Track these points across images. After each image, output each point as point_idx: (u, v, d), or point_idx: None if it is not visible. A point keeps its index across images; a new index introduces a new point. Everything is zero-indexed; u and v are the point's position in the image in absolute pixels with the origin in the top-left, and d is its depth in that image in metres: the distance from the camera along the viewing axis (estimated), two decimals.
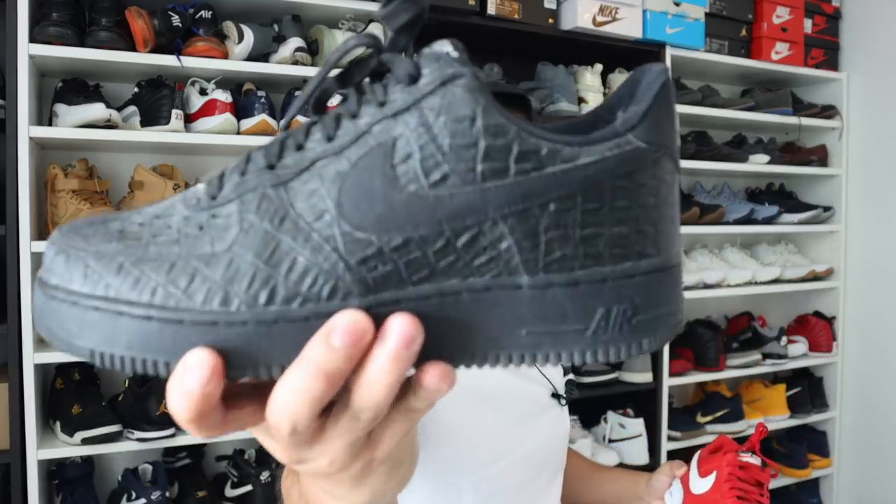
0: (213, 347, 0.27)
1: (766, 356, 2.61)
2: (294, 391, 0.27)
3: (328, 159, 0.29)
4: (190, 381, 0.27)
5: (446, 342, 0.29)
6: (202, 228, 0.29)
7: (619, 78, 2.33)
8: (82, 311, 0.28)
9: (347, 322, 0.27)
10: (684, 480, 0.97)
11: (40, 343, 1.65)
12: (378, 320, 0.28)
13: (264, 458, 1.85)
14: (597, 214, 0.29)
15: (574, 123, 0.33)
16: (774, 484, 2.63)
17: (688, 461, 1.01)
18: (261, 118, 1.77)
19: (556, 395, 1.02)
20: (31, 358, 1.57)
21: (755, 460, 0.93)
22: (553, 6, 2.16)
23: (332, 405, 0.30)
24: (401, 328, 0.27)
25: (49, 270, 0.29)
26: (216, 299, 0.28)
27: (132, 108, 1.74)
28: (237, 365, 0.28)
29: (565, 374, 1.07)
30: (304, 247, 0.28)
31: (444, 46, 0.31)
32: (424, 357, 0.28)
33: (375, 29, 1.91)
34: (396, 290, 0.28)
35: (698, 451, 1.00)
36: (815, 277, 2.74)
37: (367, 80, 0.32)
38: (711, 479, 0.92)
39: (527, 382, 1.01)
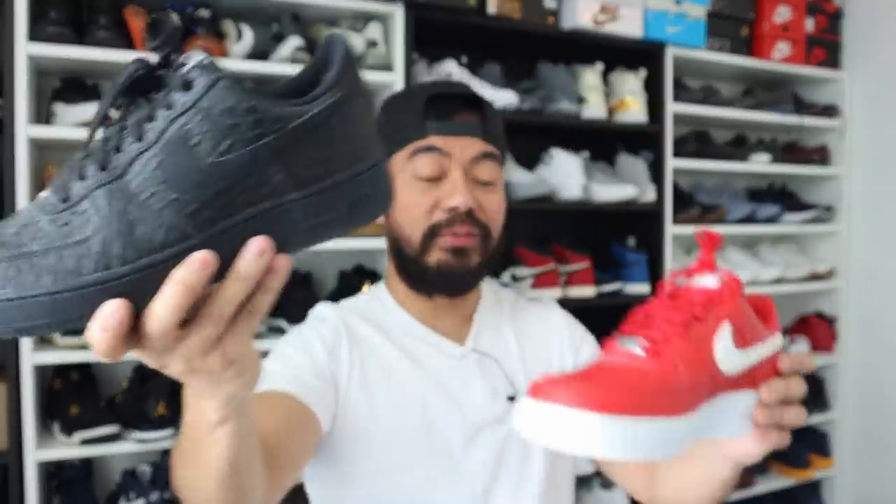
0: (116, 297, 0.40)
1: None
2: (164, 301, 0.40)
3: (145, 153, 0.42)
4: (108, 322, 0.40)
5: None
6: (68, 224, 0.41)
7: (619, 77, 2.32)
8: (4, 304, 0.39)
9: (198, 254, 0.41)
10: None
11: (39, 343, 1.64)
12: (216, 247, 0.41)
13: None
14: (324, 146, 0.44)
15: (295, 83, 0.48)
16: (776, 484, 2.62)
17: None
18: None
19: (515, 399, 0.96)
20: (30, 358, 1.56)
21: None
22: (553, 5, 2.16)
23: (186, 324, 0.43)
24: (254, 245, 0.42)
25: None
26: (101, 267, 0.40)
27: None
28: (134, 303, 0.41)
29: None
30: (149, 214, 0.41)
31: (198, 56, 0.43)
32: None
33: (374, 28, 1.91)
34: (220, 224, 0.42)
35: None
36: (817, 277, 2.73)
37: (153, 91, 0.44)
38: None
39: (453, 409, 0.94)
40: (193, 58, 0.42)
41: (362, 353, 0.95)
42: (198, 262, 0.40)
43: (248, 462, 0.59)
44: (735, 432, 0.62)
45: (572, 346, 1.06)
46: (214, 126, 0.41)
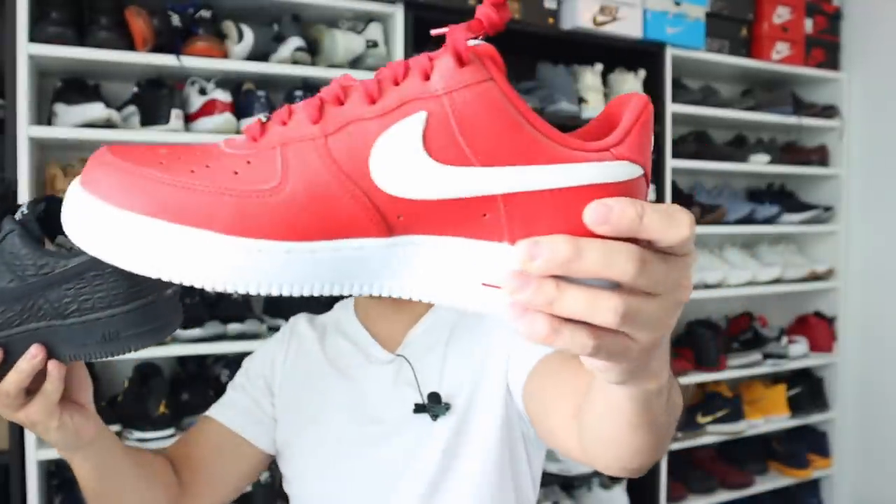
0: None
1: (766, 356, 2.61)
2: None
3: None
4: None
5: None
6: None
7: (619, 78, 2.33)
8: None
9: None
10: None
11: None
12: (8, 346, 0.58)
13: None
14: (80, 290, 0.57)
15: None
16: (775, 484, 2.63)
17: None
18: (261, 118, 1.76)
19: (423, 408, 0.91)
20: None
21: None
22: (553, 6, 2.16)
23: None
24: (31, 350, 0.59)
25: None
26: None
27: (132, 108, 1.73)
28: None
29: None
30: None
31: (23, 208, 0.58)
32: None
33: (375, 29, 1.91)
34: (7, 331, 0.58)
35: None
36: (816, 277, 2.74)
37: None
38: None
39: (362, 416, 0.92)
40: (21, 209, 0.59)
41: (297, 363, 1.00)
42: None
43: (109, 486, 0.75)
44: (467, 303, 0.38)
45: (509, 340, 0.92)
46: (4, 263, 0.57)
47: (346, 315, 1.03)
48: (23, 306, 0.58)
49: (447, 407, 0.90)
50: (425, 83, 0.36)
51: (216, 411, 0.97)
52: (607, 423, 0.54)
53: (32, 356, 0.59)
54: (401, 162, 0.36)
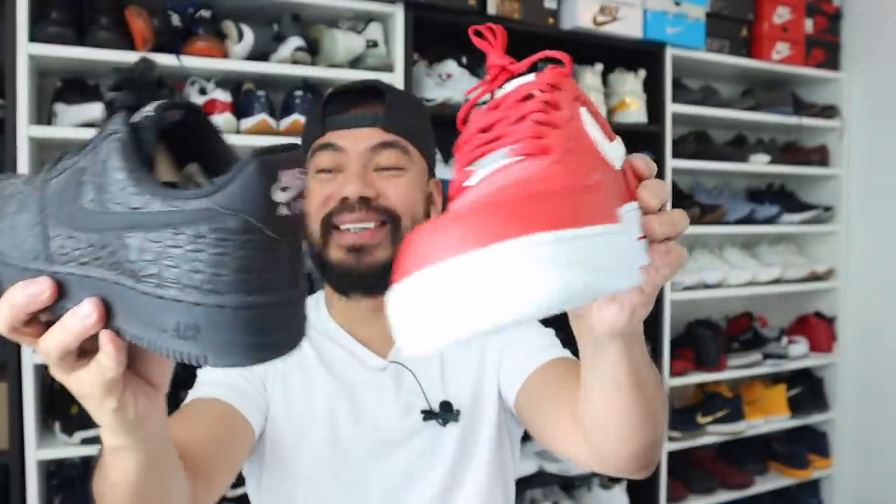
0: None
1: (766, 356, 2.61)
2: None
3: (57, 177, 0.44)
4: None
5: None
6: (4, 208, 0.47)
7: (619, 78, 2.33)
8: None
9: (38, 280, 0.44)
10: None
11: None
12: (60, 284, 0.43)
13: None
14: (178, 248, 0.38)
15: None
16: (775, 484, 2.63)
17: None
18: (260, 118, 1.76)
19: (432, 415, 0.91)
20: (31, 358, 1.57)
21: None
22: (553, 6, 2.16)
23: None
24: (84, 305, 0.42)
25: None
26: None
27: None
28: None
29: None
30: (30, 234, 0.44)
31: (150, 106, 0.42)
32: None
33: (375, 29, 1.91)
34: (70, 268, 0.42)
35: None
36: (816, 278, 2.74)
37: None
38: None
39: (363, 424, 0.91)
40: (145, 110, 0.41)
41: (288, 363, 0.95)
42: (35, 286, 0.43)
43: (155, 486, 0.59)
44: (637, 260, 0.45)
45: (502, 341, 0.95)
46: (96, 176, 0.41)
47: (320, 318, 0.99)
48: (93, 243, 0.40)
49: (458, 413, 0.91)
50: (566, 92, 0.47)
51: (224, 393, 0.87)
52: (600, 399, 0.61)
53: (85, 315, 0.42)
54: (600, 140, 0.45)
